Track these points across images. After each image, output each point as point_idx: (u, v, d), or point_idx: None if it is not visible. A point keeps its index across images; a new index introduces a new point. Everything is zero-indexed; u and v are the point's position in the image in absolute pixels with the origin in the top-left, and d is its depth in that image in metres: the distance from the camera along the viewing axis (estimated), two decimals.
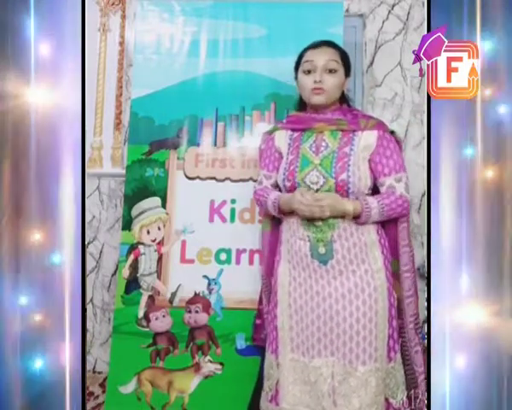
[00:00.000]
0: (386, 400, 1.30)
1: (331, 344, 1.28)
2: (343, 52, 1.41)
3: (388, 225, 1.38)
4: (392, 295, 1.32)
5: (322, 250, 1.28)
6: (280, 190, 1.43)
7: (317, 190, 1.30)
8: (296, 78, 1.44)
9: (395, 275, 1.36)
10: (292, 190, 1.33)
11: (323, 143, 1.35)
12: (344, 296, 1.27)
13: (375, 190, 1.37)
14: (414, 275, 1.39)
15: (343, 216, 1.27)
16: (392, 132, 1.39)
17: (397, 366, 1.32)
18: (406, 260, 1.37)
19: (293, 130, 1.43)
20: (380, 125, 1.37)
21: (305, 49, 1.40)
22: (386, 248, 1.35)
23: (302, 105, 1.47)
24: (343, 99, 1.44)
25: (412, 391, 1.36)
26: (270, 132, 1.51)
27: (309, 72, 1.35)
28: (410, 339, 1.36)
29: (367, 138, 1.34)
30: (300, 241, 1.31)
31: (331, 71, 1.34)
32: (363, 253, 1.29)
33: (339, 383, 1.26)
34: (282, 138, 1.44)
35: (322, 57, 1.34)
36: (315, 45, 1.39)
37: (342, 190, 1.28)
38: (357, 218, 1.28)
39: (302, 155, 1.36)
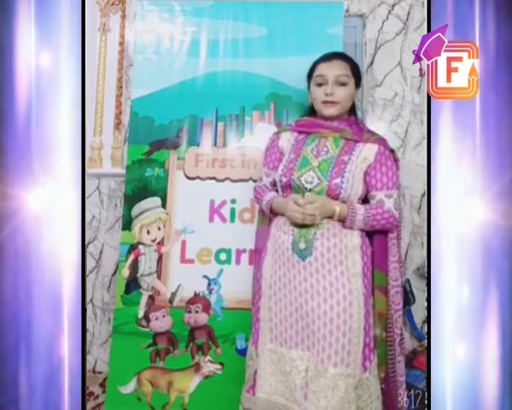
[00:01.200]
0: None
1: (307, 339, 1.30)
2: (354, 64, 1.44)
3: (379, 237, 1.40)
4: (370, 303, 1.33)
5: (302, 245, 1.31)
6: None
7: (310, 190, 1.33)
8: (308, 87, 1.47)
9: (382, 289, 1.37)
10: (287, 186, 1.37)
11: (325, 149, 1.39)
12: (319, 294, 1.28)
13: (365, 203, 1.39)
14: (401, 290, 1.41)
15: (329, 216, 1.30)
16: (392, 151, 1.41)
17: (372, 378, 1.30)
18: (397, 276, 1.39)
19: (300, 132, 1.47)
20: (381, 141, 1.40)
21: (318, 62, 1.43)
22: (368, 256, 1.36)
23: (313, 111, 1.50)
24: (352, 111, 1.48)
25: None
26: (278, 133, 1.55)
27: (320, 84, 1.40)
28: (395, 350, 1.38)
29: (367, 151, 1.37)
30: (284, 235, 1.35)
31: (342, 84, 1.38)
32: (342, 255, 1.31)
33: (311, 378, 1.27)
34: (287, 139, 1.48)
35: (333, 72, 1.38)
36: (327, 58, 1.42)
37: (333, 193, 1.31)
38: (342, 221, 1.31)
39: (303, 156, 1.39)
